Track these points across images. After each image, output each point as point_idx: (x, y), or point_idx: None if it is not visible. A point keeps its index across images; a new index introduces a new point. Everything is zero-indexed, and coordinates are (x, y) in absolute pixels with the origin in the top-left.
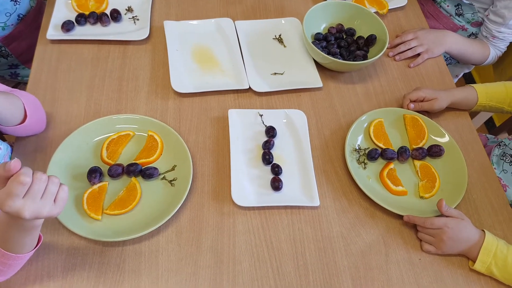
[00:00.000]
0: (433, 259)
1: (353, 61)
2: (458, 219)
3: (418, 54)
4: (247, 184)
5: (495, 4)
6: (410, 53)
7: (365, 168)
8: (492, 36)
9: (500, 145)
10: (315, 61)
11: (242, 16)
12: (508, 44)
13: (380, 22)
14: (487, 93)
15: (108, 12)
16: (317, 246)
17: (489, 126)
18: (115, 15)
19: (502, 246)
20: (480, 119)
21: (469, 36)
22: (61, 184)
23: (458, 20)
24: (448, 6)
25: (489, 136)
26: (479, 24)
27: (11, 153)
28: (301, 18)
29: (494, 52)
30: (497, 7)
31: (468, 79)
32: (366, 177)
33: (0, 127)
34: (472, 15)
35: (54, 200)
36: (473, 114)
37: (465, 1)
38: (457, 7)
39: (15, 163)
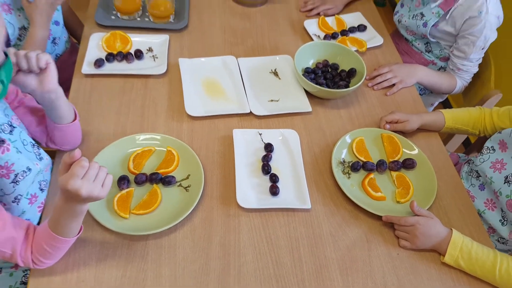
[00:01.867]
0: (409, 254)
1: (337, 89)
2: (428, 218)
3: (394, 85)
4: (249, 190)
5: (457, 42)
6: (386, 84)
7: (349, 178)
8: (457, 69)
9: (469, 163)
10: (305, 90)
11: (243, 54)
12: (472, 75)
13: (359, 58)
14: (453, 117)
15: (132, 51)
16: (310, 242)
17: (466, 145)
18: (138, 54)
19: (467, 241)
20: (459, 139)
21: (439, 69)
22: (107, 173)
23: (428, 56)
24: (418, 44)
25: (460, 155)
26: (447, 58)
27: (52, 165)
28: (293, 55)
29: (460, 82)
30: (459, 44)
31: (446, 106)
32: (350, 185)
33: (51, 131)
34: (440, 51)
35: (102, 185)
36: (452, 134)
37: (432, 40)
38: (426, 45)
39: (78, 152)
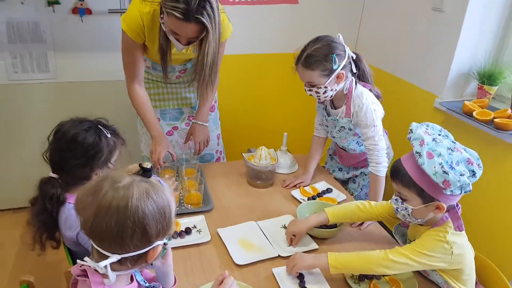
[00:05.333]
0: None
1: (330, 229)
2: None
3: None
4: None
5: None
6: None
7: (360, 285)
8: (369, 150)
9: None
10: (309, 234)
11: (257, 219)
12: (380, 151)
13: None
14: (333, 213)
15: (183, 229)
16: None
17: None
18: (188, 231)
19: None
20: None
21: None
22: None
23: (361, 149)
24: (350, 144)
25: None
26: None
27: None
28: (293, 214)
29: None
30: (361, 131)
31: None
32: None
33: None
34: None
35: None
36: None
37: (357, 130)
38: (357, 142)
39: (227, 272)
